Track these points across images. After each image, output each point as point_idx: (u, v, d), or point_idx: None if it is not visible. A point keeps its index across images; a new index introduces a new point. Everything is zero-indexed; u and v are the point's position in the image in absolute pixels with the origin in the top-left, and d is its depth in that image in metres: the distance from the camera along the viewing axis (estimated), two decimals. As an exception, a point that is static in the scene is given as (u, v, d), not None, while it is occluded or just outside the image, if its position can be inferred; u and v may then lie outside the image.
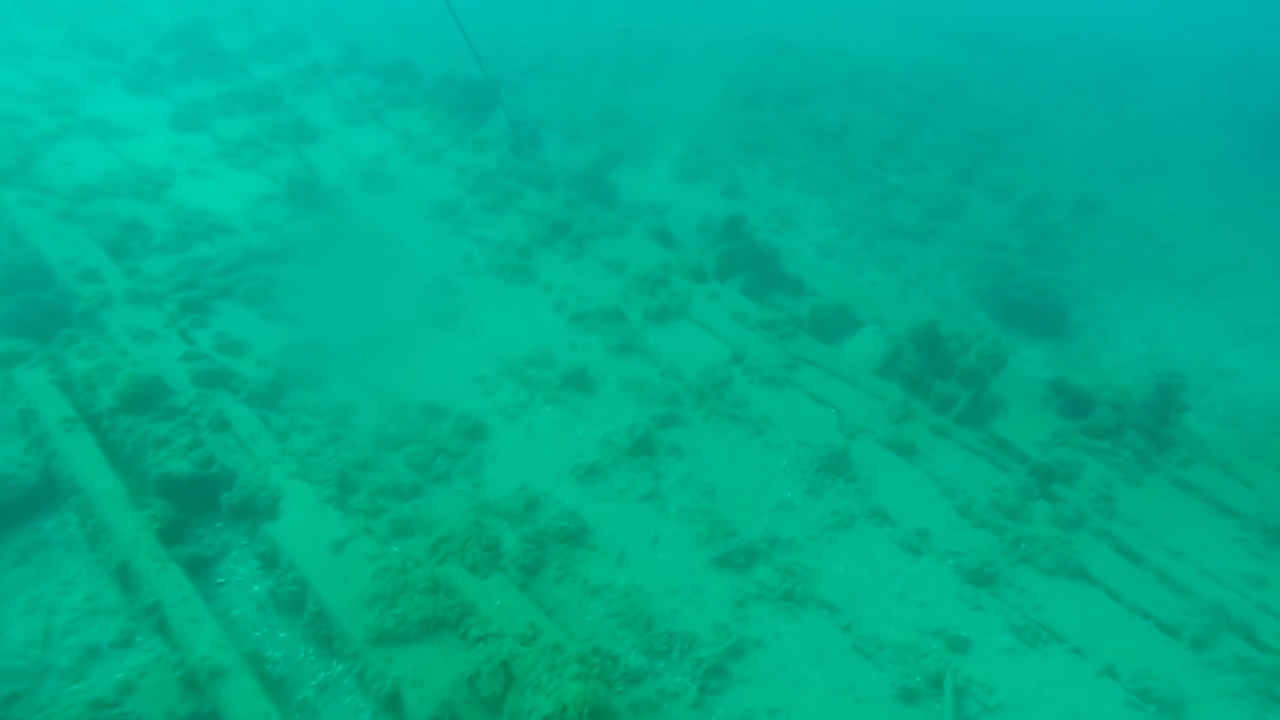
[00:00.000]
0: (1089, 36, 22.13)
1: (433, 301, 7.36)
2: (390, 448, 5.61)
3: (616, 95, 16.06)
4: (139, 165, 9.06)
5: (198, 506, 5.04)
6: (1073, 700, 4.48)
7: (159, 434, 5.10)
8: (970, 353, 7.38)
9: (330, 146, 10.32)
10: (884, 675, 4.55)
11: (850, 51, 18.85)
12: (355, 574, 4.54)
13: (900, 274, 11.07)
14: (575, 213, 9.07)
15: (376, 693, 4.03)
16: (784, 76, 16.93)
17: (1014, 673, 4.62)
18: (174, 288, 6.86)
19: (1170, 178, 14.78)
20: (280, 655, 4.38)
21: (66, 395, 5.45)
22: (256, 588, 4.76)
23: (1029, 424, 6.67)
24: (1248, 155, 15.59)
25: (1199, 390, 8.62)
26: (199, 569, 4.72)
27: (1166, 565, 5.20)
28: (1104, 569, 5.26)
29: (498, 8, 18.78)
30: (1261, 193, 14.25)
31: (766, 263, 9.36)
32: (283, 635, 4.53)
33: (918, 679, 4.49)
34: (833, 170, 13.37)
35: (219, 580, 4.77)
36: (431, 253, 8.21)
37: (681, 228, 11.21)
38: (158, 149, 9.54)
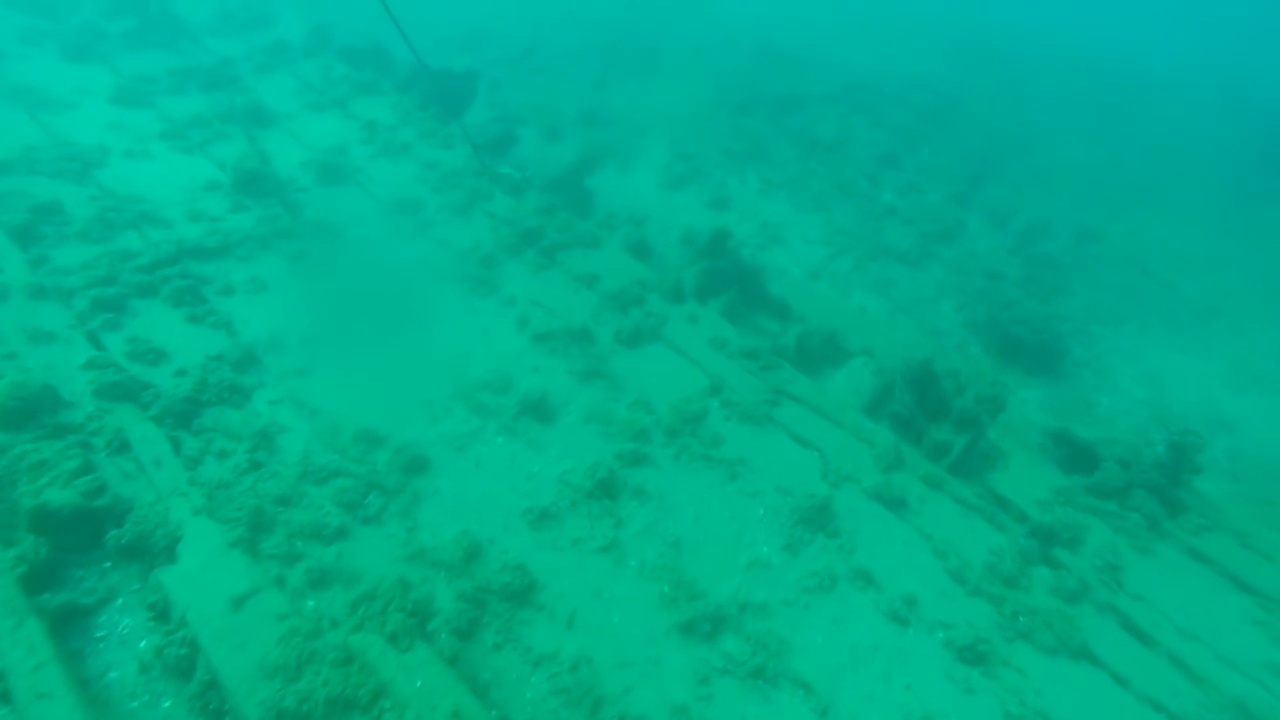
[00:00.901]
0: (1087, 55, 22.12)
1: (381, 310, 6.76)
2: (317, 480, 5.02)
3: (601, 93, 15.57)
4: (67, 141, 8.36)
5: (83, 544, 4.41)
6: (1074, 809, 4.02)
7: (40, 456, 4.46)
8: (967, 395, 6.97)
9: (287, 133, 9.67)
10: (863, 774, 4.06)
11: (847, 62, 18.56)
12: (257, 636, 3.95)
13: (892, 299, 10.68)
14: (547, 220, 8.53)
15: (268, 789, 3.45)
16: (777, 84, 16.56)
17: (1009, 773, 4.16)
18: (87, 283, 6.20)
19: (1168, 209, 14.61)
20: (159, 733, 3.78)
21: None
22: (143, 644, 4.14)
23: (1028, 478, 6.25)
24: (1246, 190, 15.51)
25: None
26: (72, 620, 4.10)
27: (1179, 649, 4.79)
28: (1110, 649, 4.83)
29: (482, -5, 18.20)
30: (1260, 231, 14.13)
31: (751, 283, 8.91)
32: (167, 705, 3.92)
33: (901, 780, 4.01)
34: (825, 185, 12.98)
35: (98, 634, 4.15)
36: (386, 256, 7.61)
37: (662, 240, 10.72)
38: (92, 125, 8.84)
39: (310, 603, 4.27)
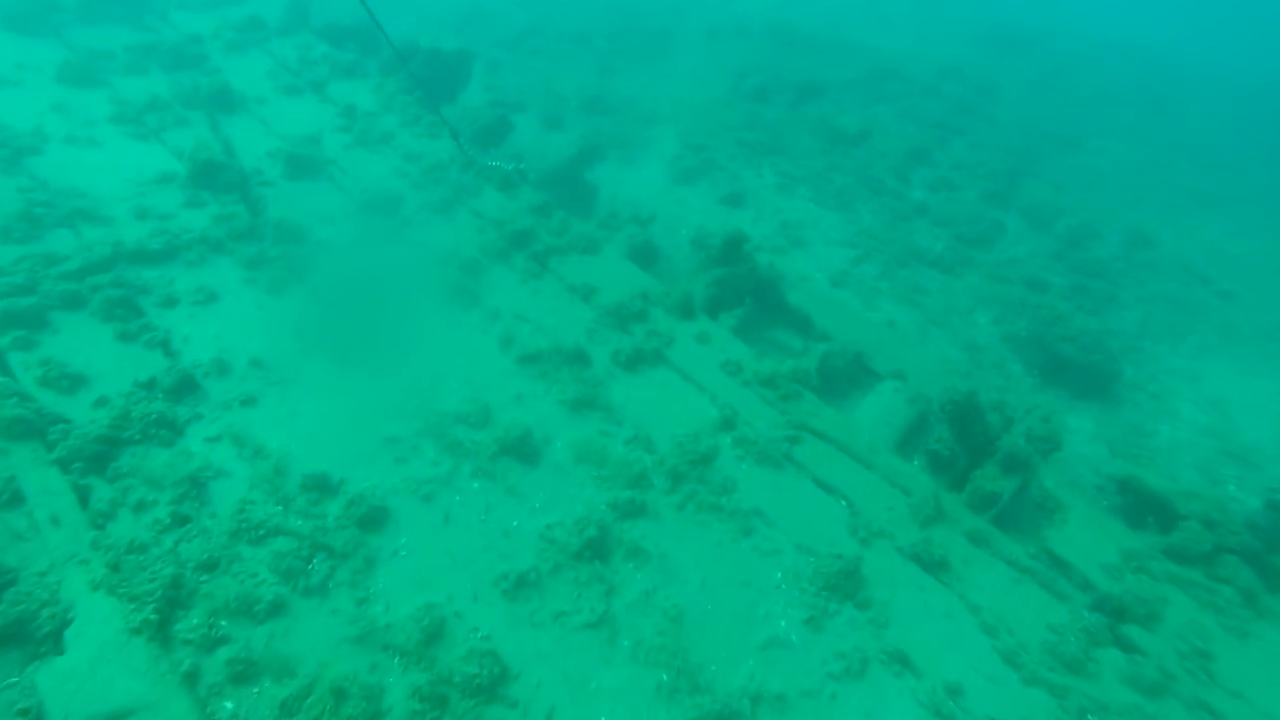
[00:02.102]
0: (1126, 42, 21.11)
1: (346, 327, 6.05)
2: (254, 539, 4.33)
3: (606, 77, 14.79)
4: None
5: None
6: None
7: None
8: (1015, 431, 6.23)
9: (256, 119, 8.96)
10: None
11: (871, 47, 17.70)
12: (156, 756, 3.26)
13: (923, 310, 9.90)
14: (541, 220, 7.80)
15: None
16: (796, 69, 15.74)
17: None
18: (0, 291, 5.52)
19: (1222, 212, 13.76)
20: None
21: None
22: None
23: (1090, 534, 5.50)
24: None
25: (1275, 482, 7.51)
26: (-65, 726, 3.42)
27: (1287, 766, 4.06)
28: (1201, 764, 4.10)
29: (480, -30, 17.39)
30: (1325, 236, 13.26)
31: (769, 292, 8.18)
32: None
33: None
34: (849, 181, 12.18)
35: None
36: (356, 262, 6.90)
37: (670, 241, 9.99)
38: (32, 105, 8.14)
39: (229, 704, 3.58)
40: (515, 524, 4.89)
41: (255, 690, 3.68)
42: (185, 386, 5.22)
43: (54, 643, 3.63)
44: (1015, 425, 6.44)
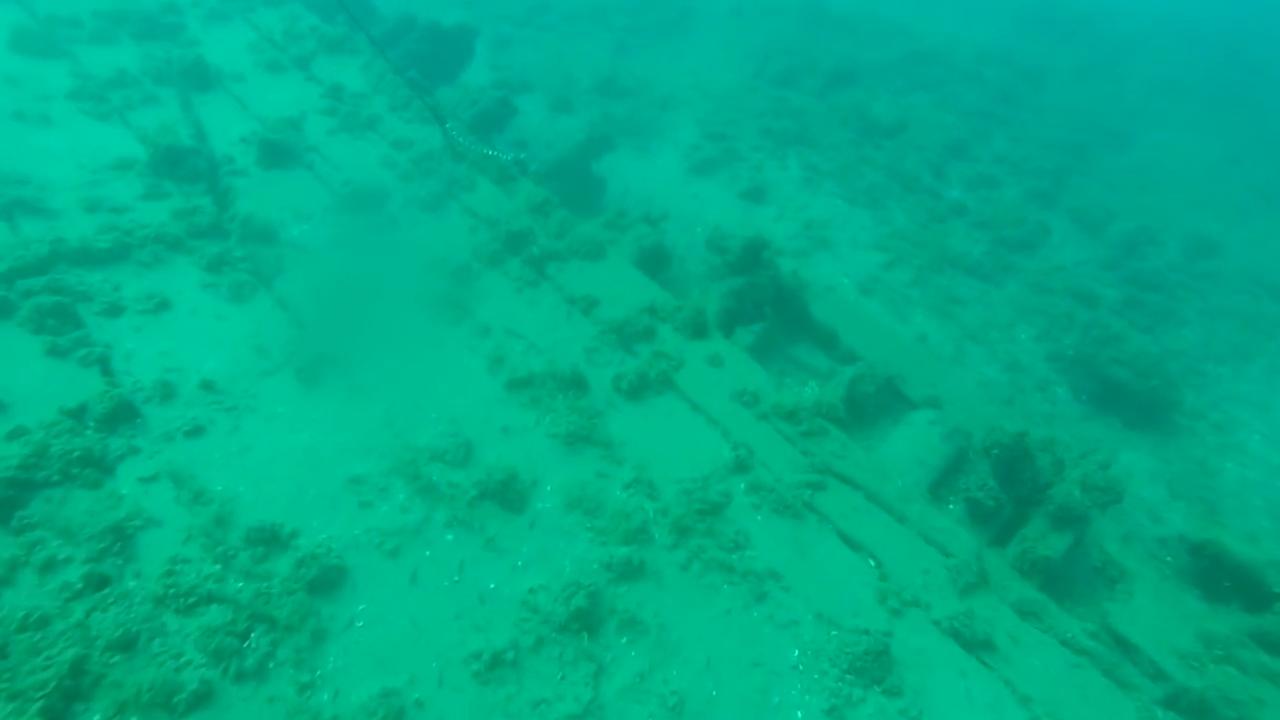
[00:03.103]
0: (1190, 24, 19.97)
1: (314, 343, 5.48)
2: (182, 608, 3.79)
3: (621, 57, 14.08)
4: (-55, 102, 7.15)
5: None
6: None
7: None
8: (1069, 477, 5.59)
9: (232, 99, 8.37)
10: None
11: (909, 28, 16.81)
12: None
13: (959, 324, 9.23)
14: (540, 220, 7.18)
15: None
16: (827, 51, 14.94)
17: None
18: (-80, 298, 4.99)
19: (1292, 216, 12.90)
20: None
21: None
22: None
23: (1161, 610, 4.88)
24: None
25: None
26: None
27: None
28: None
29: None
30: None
31: (791, 303, 7.55)
32: None
33: None
34: (881, 176, 11.46)
35: None
36: (330, 266, 6.33)
37: (684, 240, 9.37)
38: (-18, 81, 7.60)
39: (132, 826, 3.05)
40: (493, 586, 4.33)
41: (167, 806, 3.15)
42: (122, 414, 4.67)
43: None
44: (1068, 469, 5.80)
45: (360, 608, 4.07)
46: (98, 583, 3.79)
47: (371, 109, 8.52)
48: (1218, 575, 5.08)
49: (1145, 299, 9.82)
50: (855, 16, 16.82)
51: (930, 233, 10.48)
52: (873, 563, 4.92)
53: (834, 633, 4.44)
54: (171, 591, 3.80)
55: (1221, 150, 14.04)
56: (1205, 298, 10.19)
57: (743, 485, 5.18)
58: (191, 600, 3.80)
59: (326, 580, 4.09)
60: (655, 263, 7.84)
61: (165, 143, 6.86)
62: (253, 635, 3.77)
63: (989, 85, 14.34)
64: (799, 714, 4.07)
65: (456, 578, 4.32)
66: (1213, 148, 14.11)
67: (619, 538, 4.65)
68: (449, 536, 4.52)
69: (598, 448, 5.26)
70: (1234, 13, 21.81)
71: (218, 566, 3.98)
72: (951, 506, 6.09)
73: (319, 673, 3.74)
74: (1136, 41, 17.97)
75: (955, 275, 9.96)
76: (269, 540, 4.20)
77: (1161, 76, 16.21)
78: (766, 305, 7.49)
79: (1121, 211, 11.37)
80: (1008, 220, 10.77)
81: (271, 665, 3.71)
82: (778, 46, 14.70)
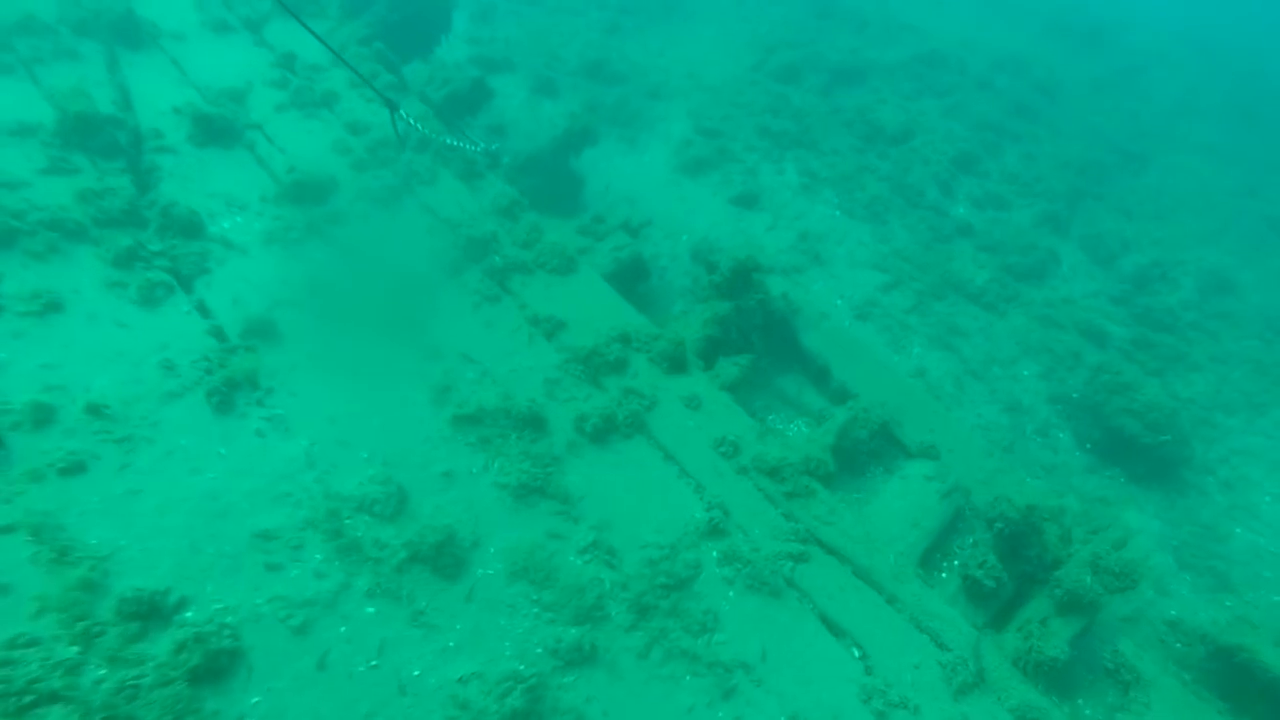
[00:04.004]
0: (1212, 42, 19.62)
1: (233, 359, 4.87)
2: (18, 711, 3.19)
3: (613, 38, 13.41)
4: None
5: None
6: None
7: None
8: (1079, 560, 5.15)
9: (168, 61, 7.64)
10: None
11: (920, 27, 16.28)
12: None
13: (960, 357, 8.78)
14: (507, 225, 6.58)
15: None
16: (834, 47, 14.37)
17: None
18: None
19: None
20: None
21: None
22: None
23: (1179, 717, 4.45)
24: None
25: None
26: None
27: None
28: None
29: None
30: None
31: (780, 331, 7.09)
32: None
33: None
34: (884, 188, 10.96)
35: None
36: (260, 269, 5.69)
37: (667, 249, 8.82)
38: None
39: None
40: (417, 673, 3.78)
41: None
42: (-15, 443, 4.04)
43: None
44: (1077, 545, 5.37)
45: (253, 700, 3.50)
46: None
47: (328, 84, 7.84)
48: (1246, 684, 4.67)
49: (1156, 340, 9.45)
50: (865, 10, 16.26)
51: (933, 254, 10.02)
52: (857, 653, 4.44)
53: (810, 740, 3.96)
54: (7, 687, 3.20)
55: (1238, 178, 13.72)
56: (1218, 341, 9.84)
57: (715, 553, 4.67)
58: (27, 700, 3.20)
59: (214, 667, 3.51)
60: (633, 276, 7.31)
61: (78, 108, 6.14)
62: (112, 740, 3.19)
63: (1002, 95, 13.87)
64: (765, 843, 3.59)
65: (375, 661, 3.77)
66: (1229, 175, 13.78)
67: (570, 615, 4.13)
68: (370, 609, 3.96)
69: (552, 501, 4.72)
70: (1254, 29, 21.52)
71: (74, 649, 3.39)
72: (944, 575, 5.67)
73: (191, 790, 3.18)
74: (1156, 57, 17.61)
75: (958, 302, 9.51)
76: (147, 613, 3.61)
77: (1179, 95, 15.86)
78: (754, 332, 7.00)
79: (1135, 242, 10.98)
80: (1016, 245, 10.34)
81: (131, 781, 3.14)
82: (781, 38, 14.12)
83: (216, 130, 6.73)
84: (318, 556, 4.09)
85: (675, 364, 5.71)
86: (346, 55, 8.15)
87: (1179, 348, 9.49)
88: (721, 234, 9.53)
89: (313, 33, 5.30)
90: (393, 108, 5.89)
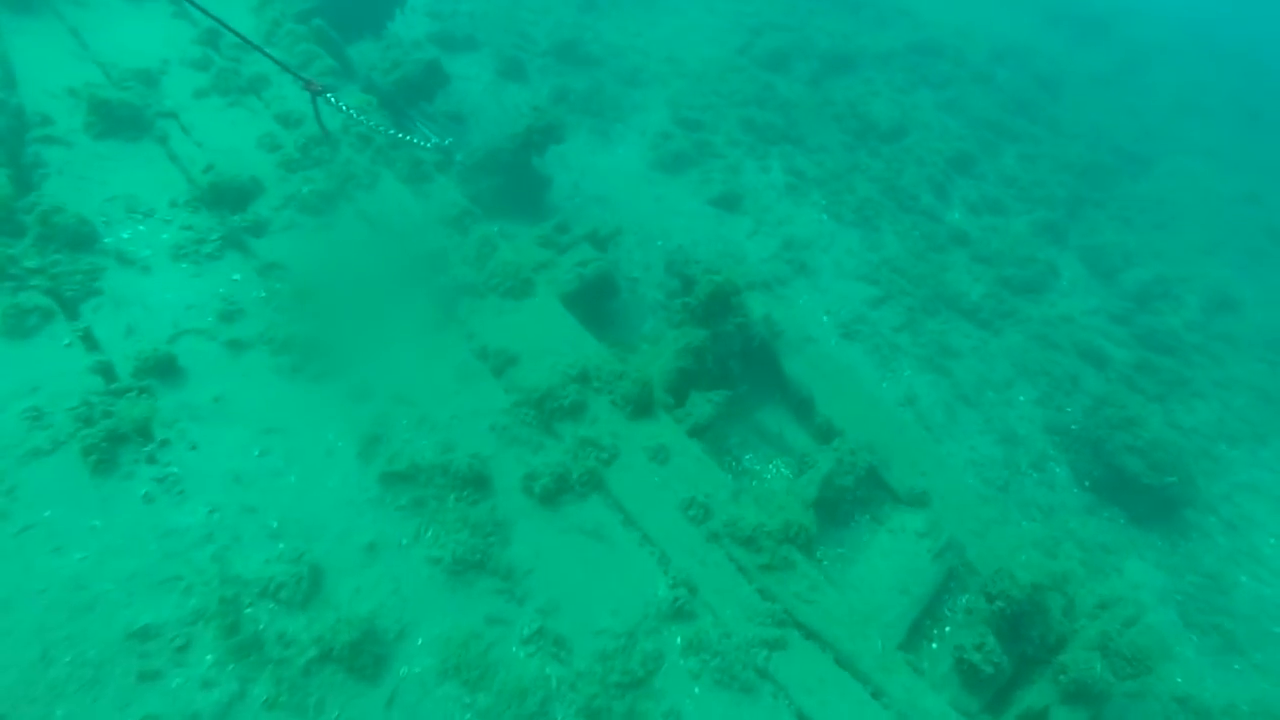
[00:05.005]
0: (1217, 36, 19.28)
1: (115, 405, 4.24)
2: None
3: (589, 16, 12.70)
4: None
5: None
6: None
7: None
8: (1087, 640, 4.74)
9: (65, 30, 6.86)
10: None
11: (916, 12, 15.73)
12: None
13: (952, 380, 8.36)
14: (456, 238, 5.98)
15: None
16: (824, 31, 13.78)
17: None
18: None
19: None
20: None
21: None
22: None
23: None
24: None
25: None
26: None
27: None
28: None
29: None
30: None
31: (760, 356, 6.62)
32: None
33: None
34: (875, 190, 10.47)
35: None
36: (160, 290, 5.04)
37: (640, 258, 8.25)
38: None
39: None
40: (318, 811, 3.25)
41: None
42: None
43: None
44: (1083, 620, 4.98)
45: None
46: None
47: (258, 66, 7.10)
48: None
49: (1158, 363, 9.11)
50: (858, -8, 15.66)
51: (926, 264, 9.56)
52: (838, 760, 3.99)
53: None
54: None
55: (1240, 184, 13.42)
56: (1222, 364, 9.53)
57: (680, 640, 4.18)
58: None
59: (62, 814, 2.95)
60: (599, 294, 6.76)
61: (-47, 95, 5.41)
62: None
63: (1001, 90, 13.40)
64: None
65: (269, 795, 3.23)
66: (1232, 180, 13.48)
67: (508, 727, 3.62)
68: (267, 724, 3.41)
69: (493, 578, 4.19)
70: (1258, 20, 21.23)
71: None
72: (935, 646, 5.26)
73: None
74: (1157, 50, 17.23)
75: (950, 318, 9.08)
76: (-18, 745, 3.03)
77: (1182, 93, 15.51)
78: (732, 359, 6.50)
79: (1137, 254, 10.62)
80: (1013, 257, 9.92)
81: None
82: (768, 20, 13.50)
83: (120, 119, 6.01)
84: (208, 659, 3.52)
85: (640, 408, 5.18)
86: (281, 32, 7.46)
87: (1181, 371, 9.15)
88: (700, 239, 8.98)
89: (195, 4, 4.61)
90: (315, 92, 5.22)
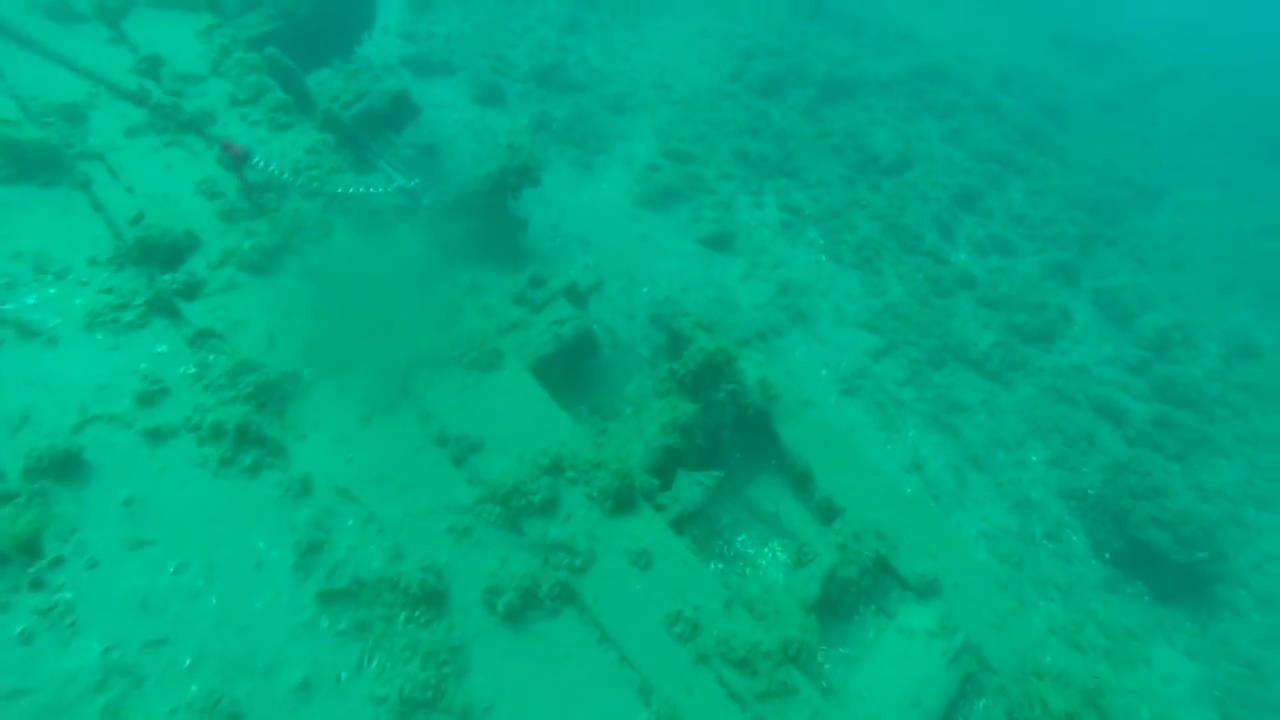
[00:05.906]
0: (1227, 59, 19.10)
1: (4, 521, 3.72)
2: None
3: (573, 38, 12.30)
4: None
5: None
6: None
7: None
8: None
9: (-2, 62, 6.34)
10: None
11: (917, 34, 15.45)
12: None
13: (961, 440, 7.93)
14: (412, 295, 5.48)
15: None
16: (822, 55, 13.45)
17: None
18: None
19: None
20: None
21: None
22: None
23: None
24: None
25: None
26: None
27: None
28: None
29: None
30: None
31: (756, 424, 6.22)
32: None
33: None
34: (876, 228, 10.08)
35: None
36: (65, 364, 4.51)
37: (624, 306, 7.79)
38: None
39: None
40: None
41: None
42: None
43: None
44: (1121, 745, 4.51)
45: None
46: None
47: (204, 99, 6.61)
48: None
49: (1178, 419, 8.71)
50: (859, 15, 15.38)
51: (931, 310, 9.15)
52: None
53: None
54: None
55: (1255, 216, 13.15)
56: (1245, 417, 9.16)
57: (662, 796, 3.68)
58: None
59: None
60: (578, 353, 6.29)
61: None
62: None
63: (1007, 120, 13.10)
64: None
65: None
66: (1246, 212, 13.21)
67: None
68: None
69: (447, 719, 3.67)
70: (1271, 47, 21.13)
71: None
72: (951, 768, 4.78)
73: None
74: (1166, 76, 17.03)
75: (958, 370, 8.66)
76: None
77: (1194, 119, 15.29)
78: (724, 430, 6.06)
79: (1152, 298, 10.27)
80: (1023, 303, 9.54)
81: None
82: (763, 43, 13.16)
83: (34, 161, 5.47)
84: (90, 845, 2.98)
85: (620, 503, 4.69)
86: (229, 61, 6.98)
87: (1203, 427, 8.77)
88: (689, 282, 8.53)
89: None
90: (235, 157, 4.73)
